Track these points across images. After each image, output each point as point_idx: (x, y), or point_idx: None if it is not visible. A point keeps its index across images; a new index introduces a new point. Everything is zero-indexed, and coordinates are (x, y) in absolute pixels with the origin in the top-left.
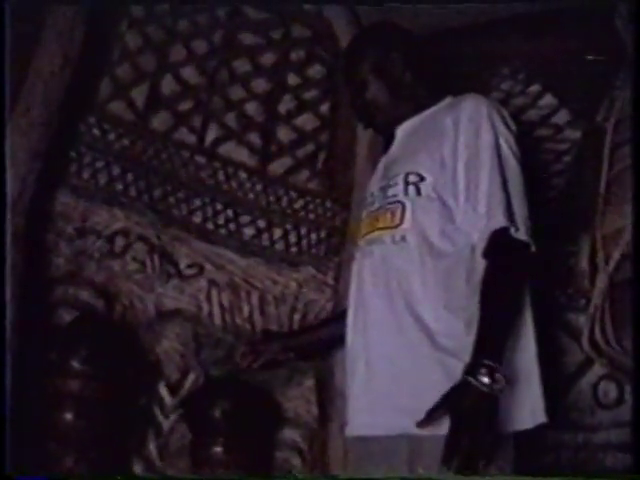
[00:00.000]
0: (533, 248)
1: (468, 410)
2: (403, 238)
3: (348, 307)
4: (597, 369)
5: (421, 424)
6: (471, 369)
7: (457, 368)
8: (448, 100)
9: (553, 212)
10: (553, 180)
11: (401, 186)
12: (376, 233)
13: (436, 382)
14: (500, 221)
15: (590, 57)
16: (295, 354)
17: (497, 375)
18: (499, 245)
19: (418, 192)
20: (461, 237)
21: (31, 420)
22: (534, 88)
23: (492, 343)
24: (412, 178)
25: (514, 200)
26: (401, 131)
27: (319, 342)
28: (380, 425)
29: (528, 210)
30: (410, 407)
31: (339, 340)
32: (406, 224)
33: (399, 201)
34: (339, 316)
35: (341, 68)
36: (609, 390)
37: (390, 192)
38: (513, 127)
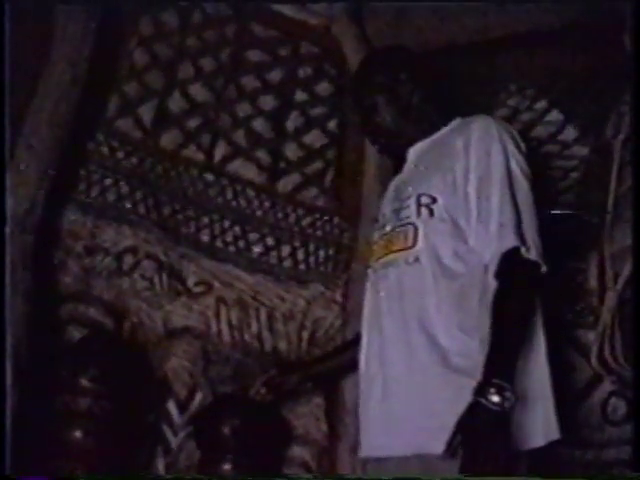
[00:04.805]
0: (544, 268)
1: (481, 430)
2: (416, 259)
3: (362, 330)
4: (606, 386)
5: (444, 456)
6: (481, 389)
7: (471, 387)
8: (457, 121)
9: (561, 229)
10: (561, 197)
11: (413, 208)
12: (391, 256)
13: (450, 401)
14: (511, 241)
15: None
16: (311, 384)
17: (506, 393)
18: (510, 265)
19: (430, 214)
20: (474, 258)
21: (40, 437)
22: (541, 104)
23: (502, 362)
24: (424, 200)
25: (525, 220)
26: (412, 153)
27: (335, 370)
28: (395, 446)
29: (538, 230)
30: (424, 427)
31: (354, 366)
32: (419, 245)
33: (411, 223)
34: (353, 342)
35: (350, 93)
36: (618, 407)
37: (403, 214)
38: (523, 147)
